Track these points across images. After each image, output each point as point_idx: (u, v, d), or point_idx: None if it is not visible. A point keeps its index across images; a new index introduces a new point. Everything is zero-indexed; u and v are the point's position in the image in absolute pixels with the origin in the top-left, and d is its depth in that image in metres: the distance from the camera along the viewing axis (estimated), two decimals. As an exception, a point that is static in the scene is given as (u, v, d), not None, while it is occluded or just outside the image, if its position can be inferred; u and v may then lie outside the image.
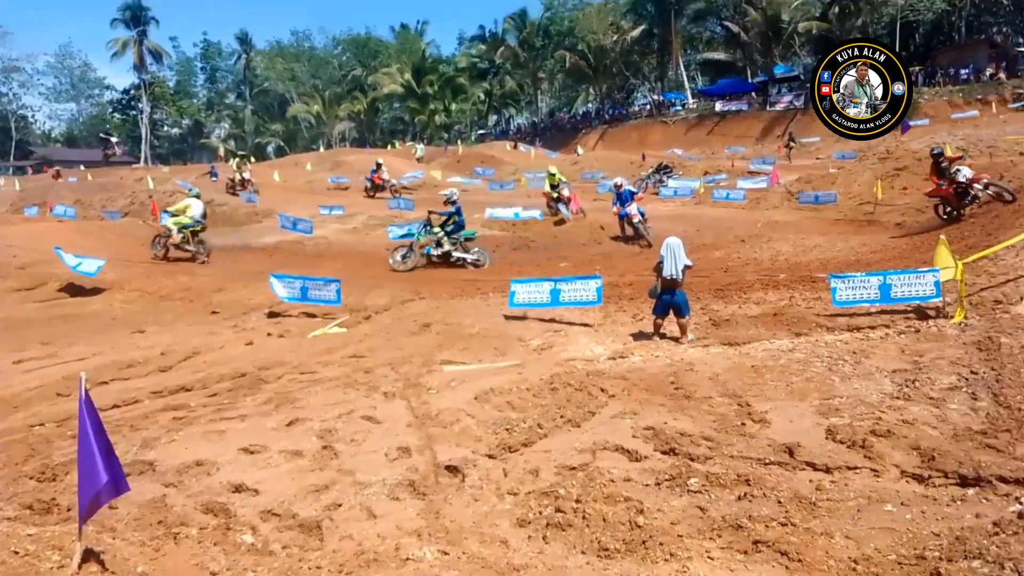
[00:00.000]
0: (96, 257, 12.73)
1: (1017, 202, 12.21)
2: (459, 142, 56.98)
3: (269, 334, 9.43)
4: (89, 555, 3.09)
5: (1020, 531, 3.32)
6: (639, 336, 8.38)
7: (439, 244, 13.83)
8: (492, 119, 79.50)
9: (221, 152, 66.26)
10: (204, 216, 16.21)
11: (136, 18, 72.42)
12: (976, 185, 12.47)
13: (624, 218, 15.70)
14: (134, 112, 78.49)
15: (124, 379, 7.41)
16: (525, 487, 4.48)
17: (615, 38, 58.16)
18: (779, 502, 4.06)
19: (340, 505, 4.30)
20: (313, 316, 10.17)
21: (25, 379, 7.57)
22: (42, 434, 5.83)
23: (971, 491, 4.03)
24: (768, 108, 48.84)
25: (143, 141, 73.81)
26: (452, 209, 14.00)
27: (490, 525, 4.04)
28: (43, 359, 8.41)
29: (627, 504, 4.07)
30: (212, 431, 5.65)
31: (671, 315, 8.15)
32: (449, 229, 13.90)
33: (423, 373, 7.25)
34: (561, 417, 5.68)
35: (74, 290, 12.57)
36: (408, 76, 68.10)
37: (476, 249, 14.21)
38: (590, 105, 69.45)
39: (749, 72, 56.33)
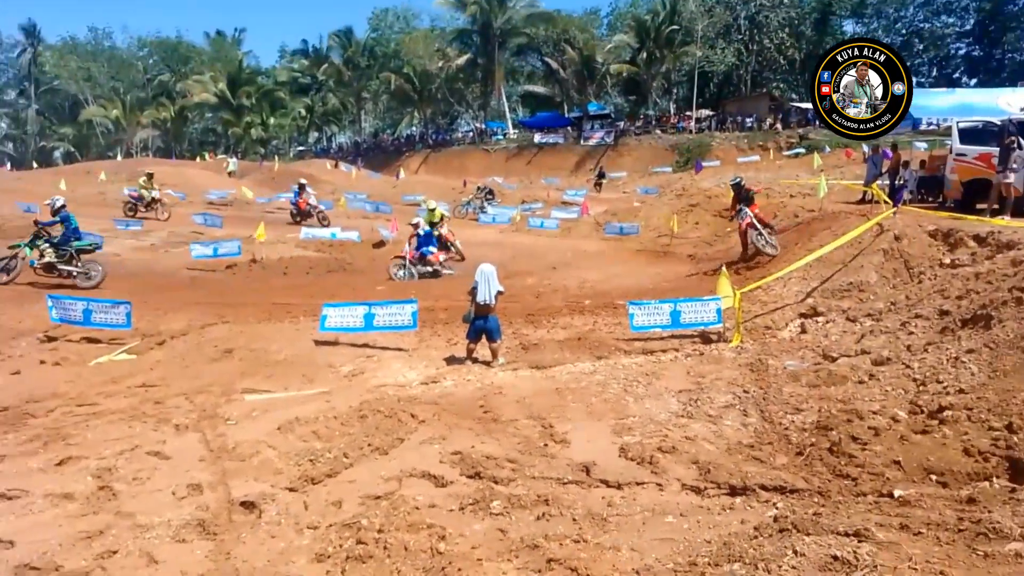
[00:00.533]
0: None
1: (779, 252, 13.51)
2: (276, 158, 54.73)
3: (42, 362, 8.42)
4: None
5: (774, 533, 3.72)
6: (452, 360, 8.47)
7: (42, 255, 12.86)
8: (313, 136, 77.33)
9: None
10: None
11: None
12: (751, 231, 13.70)
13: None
14: None
15: None
16: (326, 520, 4.34)
17: (440, 64, 58.96)
18: (574, 519, 4.25)
19: (115, 552, 3.92)
20: (98, 342, 9.22)
21: None
22: None
23: (739, 499, 4.47)
24: (582, 142, 51.74)
25: None
26: (57, 219, 13.23)
27: (286, 563, 3.86)
28: None
29: (429, 531, 4.07)
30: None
31: (483, 339, 8.32)
32: (56, 240, 13.02)
33: (222, 403, 6.82)
34: (368, 445, 5.58)
35: None
36: (222, 86, 64.41)
37: (89, 263, 13.27)
38: (414, 128, 69.73)
39: (566, 107, 59.48)
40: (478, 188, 29.88)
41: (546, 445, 5.63)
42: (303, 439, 5.79)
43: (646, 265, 16.34)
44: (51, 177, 35.54)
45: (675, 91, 56.82)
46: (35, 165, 55.05)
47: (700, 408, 6.22)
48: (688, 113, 51.61)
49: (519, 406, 6.65)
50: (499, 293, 8.31)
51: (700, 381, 7.00)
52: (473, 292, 8.25)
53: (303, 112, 70.07)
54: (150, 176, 24.67)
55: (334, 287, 13.25)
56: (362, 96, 69.04)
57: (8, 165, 55.16)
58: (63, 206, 13.32)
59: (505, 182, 40.55)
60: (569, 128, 54.42)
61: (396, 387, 7.40)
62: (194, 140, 75.12)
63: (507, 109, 62.40)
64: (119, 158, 53.46)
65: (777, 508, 4.22)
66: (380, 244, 18.46)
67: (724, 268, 9.92)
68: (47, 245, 12.78)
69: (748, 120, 47.33)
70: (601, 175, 38.38)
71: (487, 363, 8.27)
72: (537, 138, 54.06)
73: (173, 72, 71.16)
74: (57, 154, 71.94)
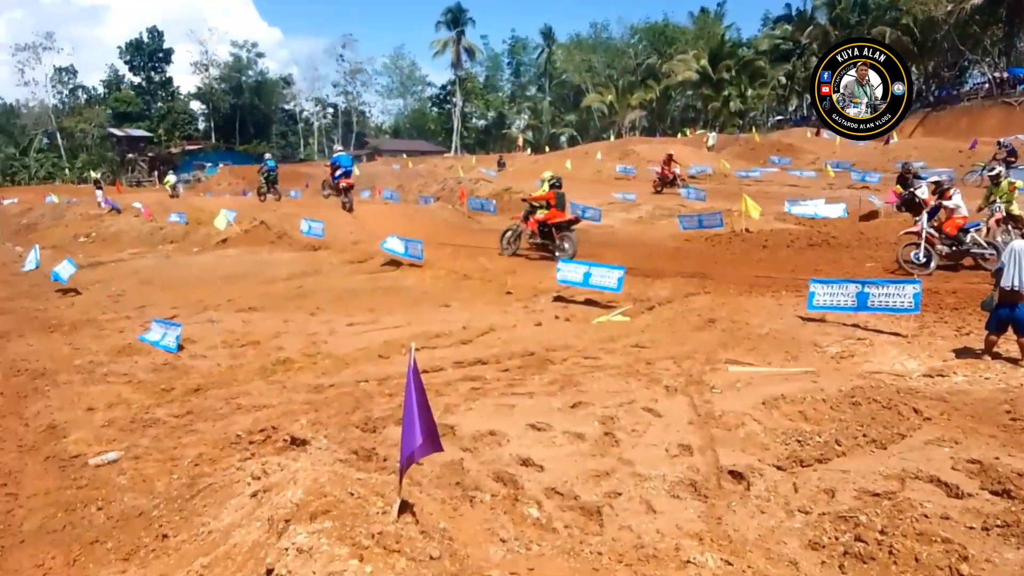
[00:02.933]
0: (416, 240, 14.34)
1: None
2: (753, 129, 54.23)
3: (556, 317, 9.84)
4: (404, 506, 3.48)
5: None
6: (963, 353, 7.26)
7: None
8: (792, 104, 74.37)
9: (520, 142, 70.76)
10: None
11: (456, 20, 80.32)
12: None
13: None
14: (448, 106, 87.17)
15: (431, 348, 8.24)
16: (818, 507, 4.11)
17: (949, 8, 50.57)
18: None
19: (620, 494, 4.33)
20: (596, 304, 10.40)
21: (354, 340, 8.80)
22: (366, 390, 6.72)
23: None
24: None
25: (454, 132, 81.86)
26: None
27: (777, 542, 3.77)
28: (368, 324, 9.70)
29: (945, 546, 3.54)
30: (503, 404, 6.04)
31: (1009, 332, 6.92)
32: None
33: (706, 370, 7.02)
34: (863, 436, 5.13)
35: (394, 265, 14.32)
36: (704, 62, 66.26)
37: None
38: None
39: None
40: (999, 144, 24.70)
41: (1111, 474, 4.41)
42: (789, 418, 5.60)
43: None
44: (558, 159, 41.32)
45: None
46: (547, 149, 64.70)
47: None
48: None
49: (1063, 418, 5.36)
50: (1036, 277, 6.78)
51: None
52: (998, 274, 6.90)
53: (783, 80, 67.82)
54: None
55: (817, 262, 12.55)
56: (850, 56, 63.55)
57: (528, 150, 65.99)
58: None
59: (1033, 141, 33.08)
60: None
61: (893, 376, 6.65)
62: (675, 118, 79.00)
63: (1043, 50, 50.51)
64: (611, 139, 59.27)
65: None
66: (870, 216, 16.84)
67: None
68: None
69: None
70: None
71: (1013, 360, 6.87)
72: (1086, 83, 42.65)
73: (660, 54, 75.61)
74: (563, 139, 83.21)
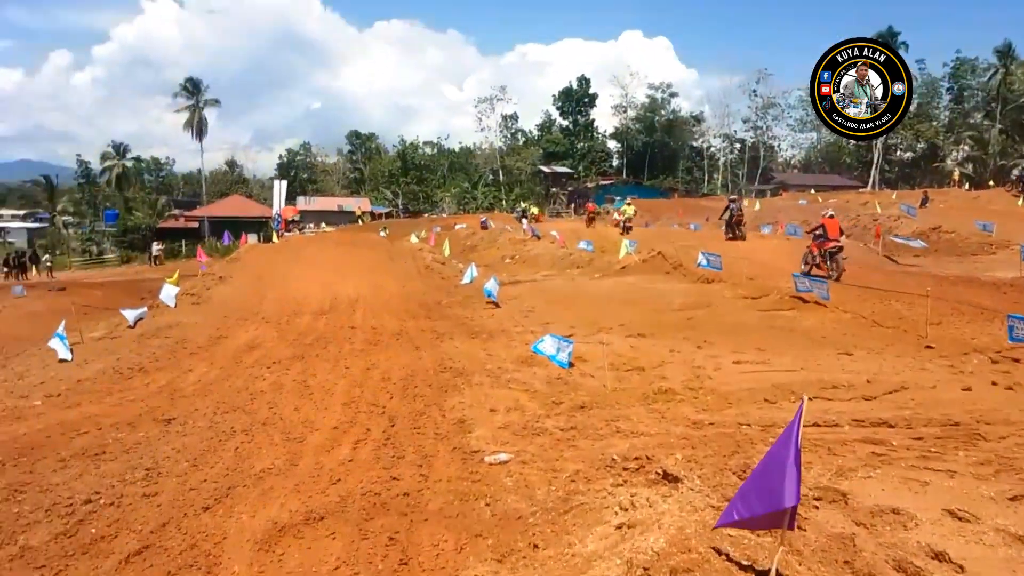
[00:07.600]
0: (822, 278, 13.23)
1: None
2: None
3: (994, 383, 8.03)
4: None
5: None
6: None
7: None
8: None
9: (956, 176, 61.34)
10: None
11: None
12: None
13: None
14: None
15: (827, 399, 7.38)
16: None
17: None
18: None
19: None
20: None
21: (740, 379, 8.34)
22: (747, 434, 6.28)
23: None
24: None
25: (873, 166, 74.54)
26: None
27: None
28: (757, 364, 9.13)
29: None
30: (913, 479, 5.06)
31: None
32: None
33: None
34: None
35: (792, 304, 13.35)
36: None
37: None
38: None
39: None
40: None
41: None
42: None
43: None
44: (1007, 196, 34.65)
45: None
46: (991, 184, 54.86)
47: None
48: None
49: None
50: None
51: None
52: None
53: None
54: None
55: None
56: None
57: (966, 185, 56.80)
58: None
59: None
60: None
61: None
62: None
63: None
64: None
65: None
66: None
67: None
68: None
69: None
70: None
71: None
72: None
73: None
74: (1015, 172, 69.72)
